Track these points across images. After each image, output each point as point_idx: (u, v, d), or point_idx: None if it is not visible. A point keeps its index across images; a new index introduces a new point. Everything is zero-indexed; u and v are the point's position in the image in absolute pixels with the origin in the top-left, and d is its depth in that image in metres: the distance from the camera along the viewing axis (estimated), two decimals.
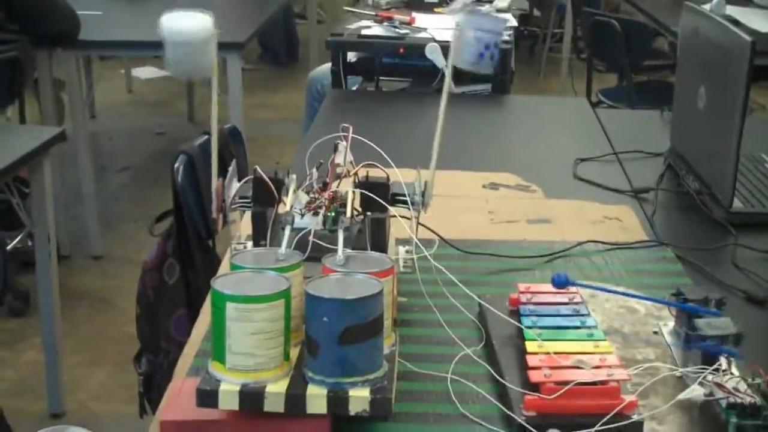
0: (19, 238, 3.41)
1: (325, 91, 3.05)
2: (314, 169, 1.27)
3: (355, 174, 1.25)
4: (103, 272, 3.52)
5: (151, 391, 1.88)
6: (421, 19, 2.90)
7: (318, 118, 2.34)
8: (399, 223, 1.23)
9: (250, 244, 1.25)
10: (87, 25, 3.35)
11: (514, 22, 2.98)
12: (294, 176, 1.24)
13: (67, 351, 2.85)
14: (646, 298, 1.26)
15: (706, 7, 3.06)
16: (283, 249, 1.10)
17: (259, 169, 1.22)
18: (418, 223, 1.26)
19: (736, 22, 3.01)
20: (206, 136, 1.87)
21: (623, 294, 1.27)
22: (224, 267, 1.45)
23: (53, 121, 3.48)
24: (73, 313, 3.17)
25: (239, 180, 1.25)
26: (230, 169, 1.25)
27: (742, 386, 1.04)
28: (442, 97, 1.21)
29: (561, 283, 1.16)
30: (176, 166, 1.82)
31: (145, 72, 5.90)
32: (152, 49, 3.70)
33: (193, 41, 1.12)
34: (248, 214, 1.26)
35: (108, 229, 3.77)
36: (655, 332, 1.26)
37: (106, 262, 3.59)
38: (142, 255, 1.95)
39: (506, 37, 2.73)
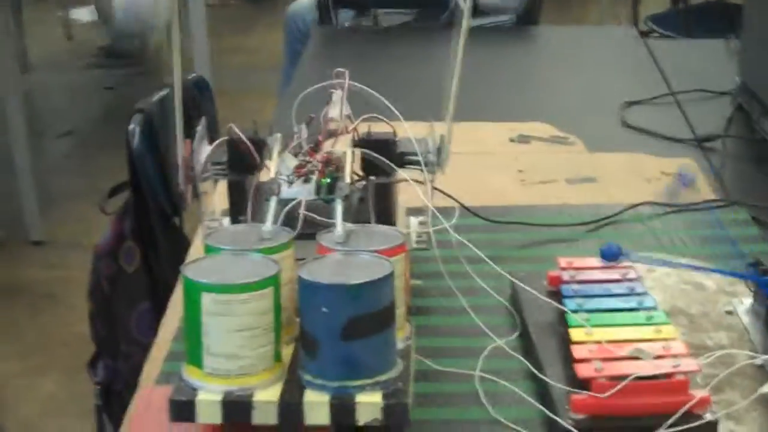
0: None
1: (309, 29, 3.04)
2: (303, 126, 1.27)
3: (354, 130, 1.25)
4: (46, 261, 3.53)
5: (111, 403, 1.89)
6: None
7: (303, 63, 2.34)
8: (410, 189, 1.23)
9: (226, 220, 1.25)
10: None
11: None
12: (278, 135, 1.24)
13: (6, 358, 2.87)
14: (717, 271, 1.26)
15: None
16: (268, 225, 1.09)
17: (235, 128, 1.22)
18: (434, 188, 1.26)
19: None
20: (166, 90, 1.86)
21: (689, 267, 1.27)
22: (196, 249, 1.45)
23: None
24: (11, 312, 3.18)
25: (210, 142, 1.25)
26: (199, 129, 1.25)
27: None
28: (458, 30, 1.20)
29: (612, 255, 1.16)
30: (131, 127, 1.82)
31: (85, 13, 5.88)
32: None
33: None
34: (223, 184, 1.26)
35: (49, 208, 3.78)
36: (729, 312, 1.26)
37: (49, 249, 3.60)
38: (93, 238, 1.96)
39: None
